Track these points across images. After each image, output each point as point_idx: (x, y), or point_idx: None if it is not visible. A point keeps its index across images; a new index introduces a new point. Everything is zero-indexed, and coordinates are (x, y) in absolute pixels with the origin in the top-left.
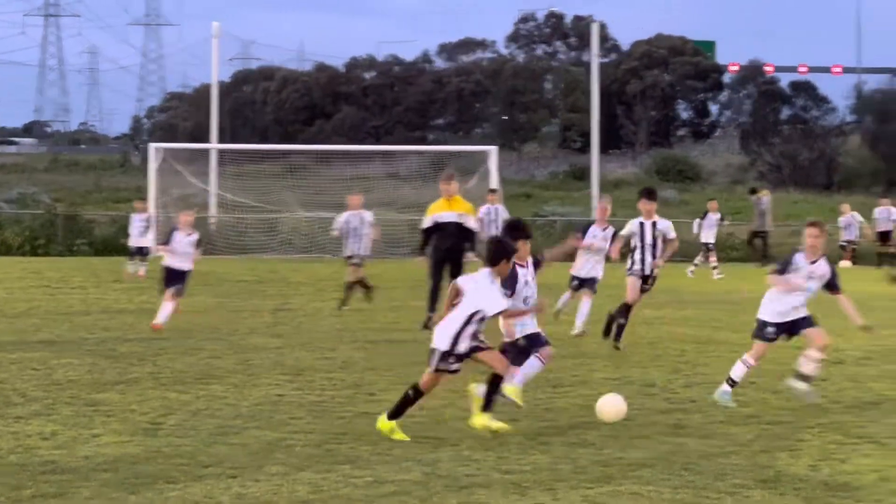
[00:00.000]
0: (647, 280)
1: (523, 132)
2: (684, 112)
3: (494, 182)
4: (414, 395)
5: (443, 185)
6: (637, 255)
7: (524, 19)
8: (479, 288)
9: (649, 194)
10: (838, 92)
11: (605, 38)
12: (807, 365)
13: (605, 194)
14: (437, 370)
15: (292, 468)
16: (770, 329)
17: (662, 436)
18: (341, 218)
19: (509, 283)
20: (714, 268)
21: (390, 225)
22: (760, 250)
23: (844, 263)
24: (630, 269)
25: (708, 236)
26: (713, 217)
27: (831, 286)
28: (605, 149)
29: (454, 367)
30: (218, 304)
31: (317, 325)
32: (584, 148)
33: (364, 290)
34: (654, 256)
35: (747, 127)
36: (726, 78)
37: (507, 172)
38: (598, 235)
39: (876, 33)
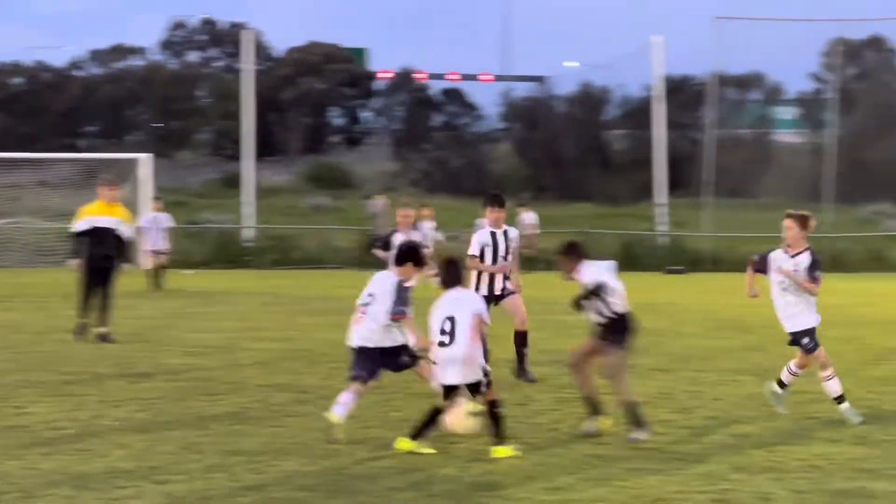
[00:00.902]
0: (500, 299)
1: (176, 139)
2: (337, 119)
3: (148, 189)
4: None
5: (105, 190)
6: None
7: (177, 26)
8: (469, 301)
9: (495, 200)
10: (488, 99)
11: (260, 45)
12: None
13: (408, 199)
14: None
15: None
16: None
17: (317, 442)
18: None
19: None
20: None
21: (39, 234)
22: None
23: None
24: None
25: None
26: (427, 225)
27: (810, 276)
28: (259, 156)
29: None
30: None
31: None
32: (237, 155)
33: None
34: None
35: (399, 134)
36: (379, 85)
37: (160, 180)
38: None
39: (524, 42)
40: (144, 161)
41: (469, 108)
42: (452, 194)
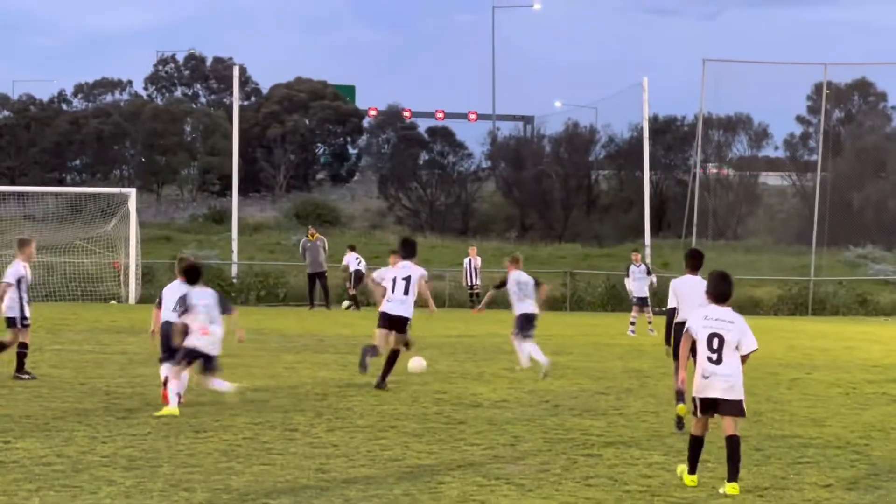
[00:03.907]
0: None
1: (162, 174)
2: (324, 156)
3: (134, 225)
4: None
5: None
6: None
7: (163, 61)
8: None
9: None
10: (474, 138)
11: (245, 81)
12: None
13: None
14: None
15: None
16: None
17: (306, 480)
18: None
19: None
20: (649, 322)
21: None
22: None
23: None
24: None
25: (638, 289)
26: (636, 269)
27: None
28: (244, 192)
29: None
30: None
31: None
32: (224, 191)
33: None
34: None
35: (385, 171)
36: (365, 122)
37: (146, 215)
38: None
39: (509, 82)
40: (131, 196)
41: (455, 146)
42: (438, 232)
